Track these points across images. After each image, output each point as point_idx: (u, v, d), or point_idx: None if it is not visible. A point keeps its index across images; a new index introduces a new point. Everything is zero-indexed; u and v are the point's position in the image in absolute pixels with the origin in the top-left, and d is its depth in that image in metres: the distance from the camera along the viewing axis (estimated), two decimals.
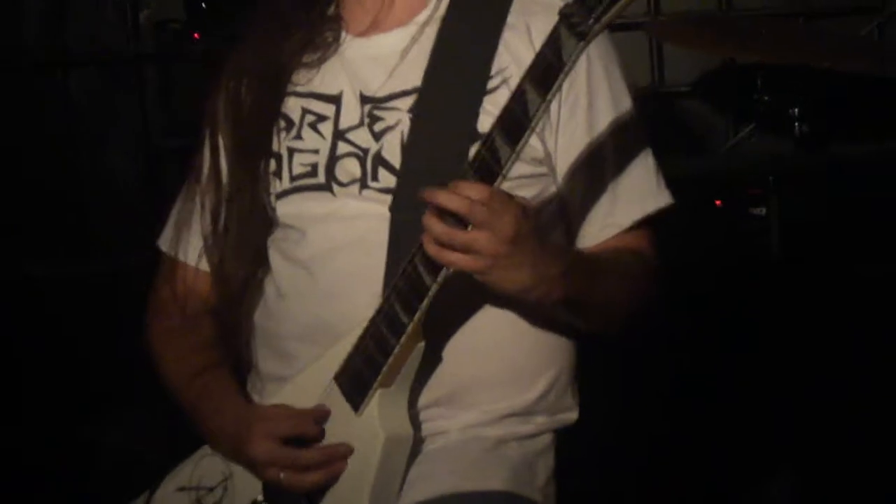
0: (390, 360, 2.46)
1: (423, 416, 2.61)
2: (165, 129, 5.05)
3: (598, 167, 2.64)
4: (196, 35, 4.89)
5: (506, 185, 2.31)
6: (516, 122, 2.26)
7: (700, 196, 4.30)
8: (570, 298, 2.44)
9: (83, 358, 4.78)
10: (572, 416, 2.74)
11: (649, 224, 2.68)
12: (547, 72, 2.22)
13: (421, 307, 2.40)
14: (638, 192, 2.67)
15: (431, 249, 2.30)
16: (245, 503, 2.66)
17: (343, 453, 2.53)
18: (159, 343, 2.86)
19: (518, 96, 2.26)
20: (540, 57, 2.23)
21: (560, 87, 2.23)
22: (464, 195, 2.25)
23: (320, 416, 2.57)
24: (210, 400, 2.71)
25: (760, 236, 4.28)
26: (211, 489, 2.72)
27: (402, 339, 2.44)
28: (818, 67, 4.35)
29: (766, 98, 4.58)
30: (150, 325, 2.89)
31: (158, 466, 2.87)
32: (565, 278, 2.39)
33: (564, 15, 2.18)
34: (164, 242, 2.90)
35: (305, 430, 2.55)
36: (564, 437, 2.74)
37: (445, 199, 2.25)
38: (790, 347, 4.20)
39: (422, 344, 2.49)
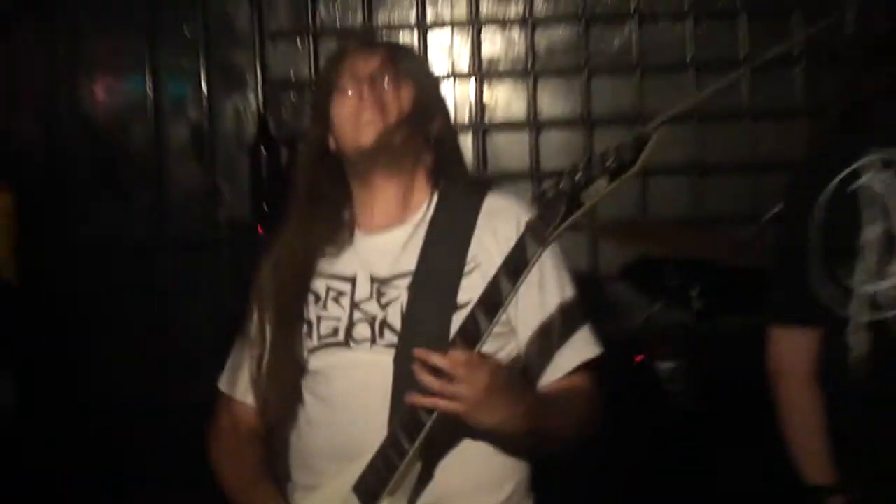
0: (395, 475, 2.43)
1: None
2: (233, 297, 4.67)
3: (547, 328, 2.61)
4: (259, 229, 4.81)
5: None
6: (492, 302, 2.31)
7: (624, 353, 4.23)
8: (531, 429, 2.42)
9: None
10: None
11: (587, 369, 2.63)
12: (516, 267, 2.27)
13: (419, 437, 2.39)
14: (577, 346, 2.63)
15: (427, 400, 2.33)
16: None
17: None
18: (219, 462, 2.78)
19: (494, 284, 2.31)
20: (511, 255, 2.29)
21: (525, 277, 2.28)
22: (451, 358, 2.30)
23: None
24: None
25: (670, 384, 4.17)
26: None
27: (405, 461, 2.42)
28: (710, 260, 4.34)
29: (672, 282, 4.44)
30: (212, 446, 2.80)
31: None
32: (528, 415, 2.39)
33: (529, 226, 2.25)
34: (222, 383, 2.82)
35: None
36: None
37: (438, 359, 2.30)
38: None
39: (419, 464, 2.46)
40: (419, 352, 2.34)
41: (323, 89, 2.73)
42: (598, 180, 2.12)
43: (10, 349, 4.64)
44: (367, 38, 2.84)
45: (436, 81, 2.91)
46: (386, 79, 2.63)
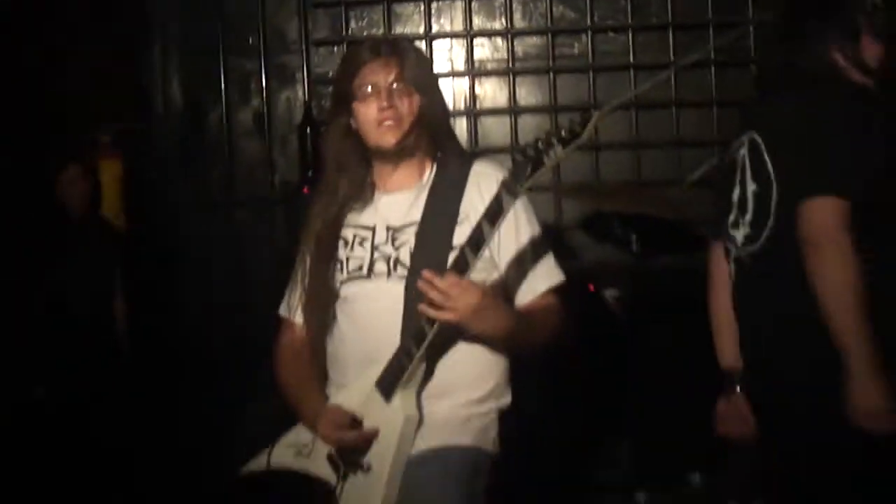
0: (407, 372, 2.51)
1: (424, 403, 2.61)
2: (287, 241, 4.84)
3: (522, 260, 2.64)
4: (306, 189, 4.86)
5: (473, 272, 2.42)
6: (476, 240, 2.37)
7: (580, 284, 4.25)
8: (512, 336, 2.52)
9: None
10: (508, 401, 2.74)
11: (554, 292, 2.67)
12: (494, 215, 2.33)
13: (423, 344, 2.47)
14: (545, 274, 2.67)
15: (430, 310, 2.39)
16: (325, 454, 2.65)
17: (370, 434, 2.57)
18: (279, 370, 2.81)
19: (478, 227, 2.37)
20: (490, 206, 2.35)
21: (501, 223, 2.34)
22: (448, 280, 2.37)
23: (355, 417, 2.59)
24: (303, 401, 2.71)
25: (614, 306, 4.29)
26: (305, 444, 2.70)
27: (413, 361, 2.50)
28: (649, 213, 4.45)
29: (618, 230, 4.56)
30: (274, 360, 2.83)
31: (275, 434, 2.83)
32: (509, 326, 2.48)
33: (504, 183, 2.31)
34: (282, 309, 2.87)
35: (346, 423, 2.59)
36: (504, 414, 2.74)
37: (439, 280, 2.35)
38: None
39: (424, 365, 2.56)
40: (426, 273, 2.36)
41: (346, 88, 2.67)
42: (556, 147, 2.15)
43: (122, 281, 4.82)
44: (385, 49, 2.68)
45: (436, 80, 2.85)
46: (401, 88, 2.62)
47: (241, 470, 2.80)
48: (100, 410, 4.48)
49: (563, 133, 2.16)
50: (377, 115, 2.62)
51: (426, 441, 2.58)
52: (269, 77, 5.41)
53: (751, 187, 2.66)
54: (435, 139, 2.72)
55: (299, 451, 2.71)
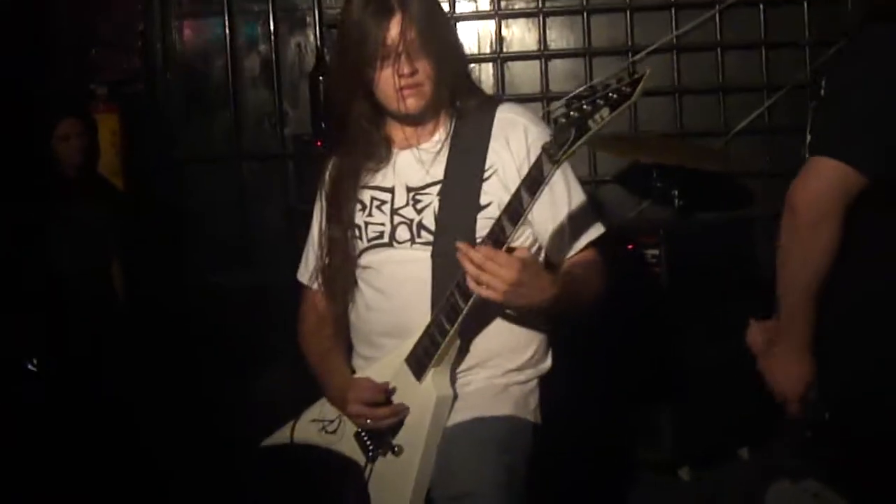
0: (440, 350, 2.45)
1: (459, 376, 2.57)
2: (299, 198, 4.88)
3: (556, 214, 2.58)
4: (319, 143, 4.76)
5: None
6: (515, 211, 2.29)
7: (618, 242, 4.12)
8: (555, 309, 2.43)
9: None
10: (548, 366, 2.70)
11: (595, 246, 2.61)
12: (534, 182, 2.25)
13: (458, 319, 2.41)
14: (583, 227, 2.60)
15: (471, 285, 2.31)
16: (352, 432, 2.62)
17: (401, 410, 2.53)
18: (303, 339, 2.79)
19: (517, 196, 2.29)
20: (529, 173, 2.27)
21: (542, 191, 2.26)
22: (484, 253, 2.29)
23: (387, 389, 2.55)
24: (328, 374, 2.69)
25: (654, 268, 4.13)
26: (331, 421, 2.67)
27: (447, 339, 2.44)
28: (689, 167, 4.33)
29: (658, 184, 4.52)
30: (298, 328, 2.81)
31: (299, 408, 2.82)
32: (552, 300, 2.37)
33: (545, 149, 2.21)
34: (301, 274, 2.84)
35: (377, 397, 2.54)
36: (544, 381, 2.70)
37: (474, 253, 2.28)
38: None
39: (458, 342, 2.50)
40: (461, 245, 2.31)
41: (357, 49, 2.53)
42: (602, 109, 2.08)
43: (121, 244, 4.65)
44: (398, 1, 2.51)
45: (450, 24, 2.76)
46: (420, 47, 2.51)
47: (263, 442, 2.81)
48: (99, 379, 4.32)
49: (610, 93, 2.07)
50: (397, 81, 2.52)
51: (462, 413, 2.55)
52: (277, 21, 5.26)
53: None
54: (454, 88, 2.63)
55: (324, 427, 2.69)
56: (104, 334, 4.43)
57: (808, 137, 2.37)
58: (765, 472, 3.91)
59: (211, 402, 4.37)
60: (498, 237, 2.31)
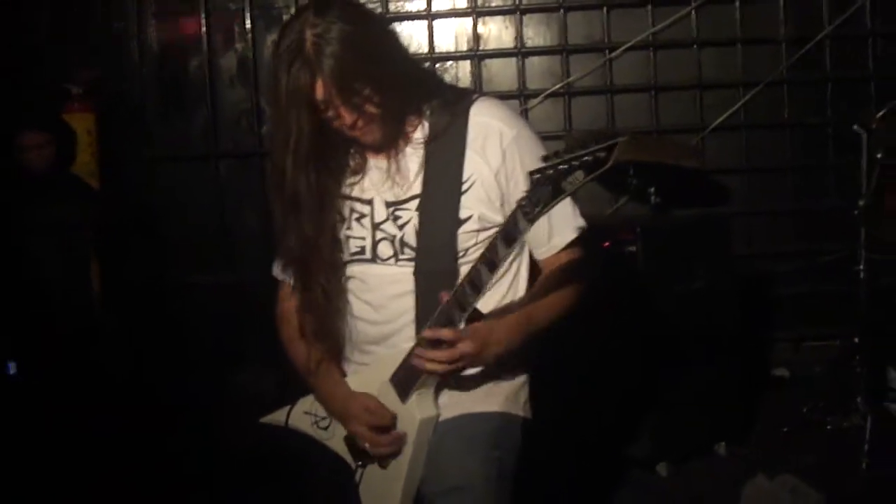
0: (421, 377, 2.43)
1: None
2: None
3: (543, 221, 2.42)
4: None
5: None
6: (491, 261, 2.26)
7: (596, 239, 3.94)
8: (525, 342, 2.45)
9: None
10: (537, 362, 2.65)
11: (576, 243, 2.53)
12: (509, 236, 2.22)
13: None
14: (563, 225, 2.51)
15: (430, 367, 2.35)
16: (342, 434, 2.58)
17: (402, 441, 2.48)
18: (289, 343, 2.65)
19: (493, 245, 2.26)
20: (505, 226, 2.24)
21: (520, 244, 2.29)
22: (431, 356, 2.31)
23: (393, 416, 2.49)
24: (324, 385, 2.60)
25: (631, 264, 4.11)
26: (323, 418, 2.62)
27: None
28: (665, 163, 4.36)
29: (634, 181, 4.41)
30: (280, 328, 2.69)
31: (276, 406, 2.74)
32: (515, 342, 2.42)
33: (520, 205, 2.18)
34: (275, 270, 2.68)
35: (383, 422, 2.49)
36: (538, 377, 2.67)
37: (434, 354, 2.31)
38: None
39: None
40: (419, 351, 2.34)
41: (290, 95, 2.35)
42: (577, 172, 2.07)
43: (97, 243, 4.61)
44: (315, 51, 2.31)
45: (383, 52, 2.42)
46: (352, 102, 2.36)
47: (261, 419, 2.75)
48: (77, 379, 4.30)
49: (587, 157, 2.05)
50: (342, 129, 2.41)
51: (452, 409, 2.53)
52: (254, 18, 5.25)
53: None
54: (416, 94, 2.49)
55: (316, 422, 2.64)
56: (83, 334, 4.42)
57: None
58: (742, 467, 4.01)
59: (191, 400, 4.37)
60: (475, 284, 2.30)
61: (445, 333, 2.32)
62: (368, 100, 2.36)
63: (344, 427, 2.56)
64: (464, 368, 2.37)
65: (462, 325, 2.35)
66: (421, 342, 2.37)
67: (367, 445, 2.51)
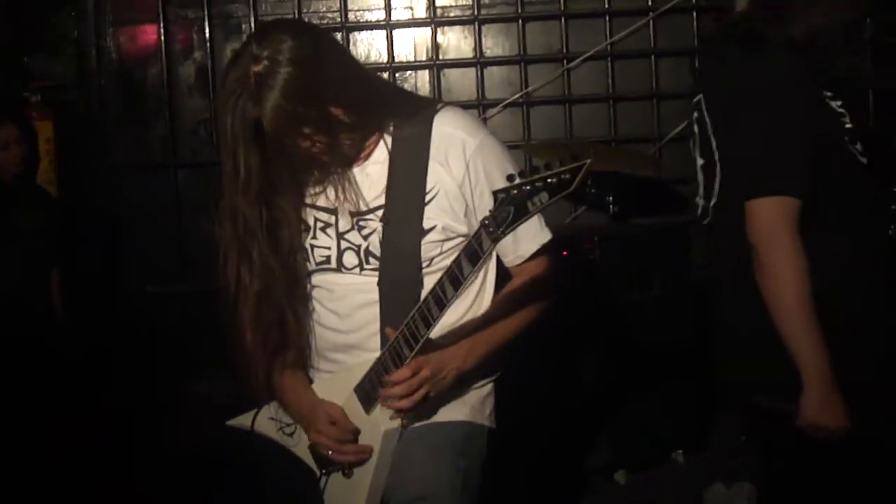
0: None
1: None
2: None
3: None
4: None
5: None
6: (455, 277, 2.25)
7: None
8: (487, 356, 2.49)
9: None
10: (504, 369, 2.66)
11: (543, 252, 2.53)
12: (473, 254, 2.21)
13: (403, 365, 2.40)
14: (530, 241, 2.50)
15: (399, 405, 2.41)
16: (307, 443, 2.58)
17: (366, 454, 2.50)
18: (248, 352, 2.56)
19: (457, 263, 2.26)
20: (469, 245, 2.22)
21: (483, 264, 2.27)
22: (391, 392, 2.38)
23: (356, 430, 2.51)
24: (290, 393, 2.59)
25: (590, 272, 4.15)
26: (288, 424, 2.63)
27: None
28: (624, 172, 4.42)
29: (592, 190, 4.53)
30: (237, 337, 2.59)
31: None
32: (476, 359, 2.47)
33: (483, 225, 2.16)
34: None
35: (344, 435, 2.51)
36: (499, 386, 2.66)
37: (395, 390, 2.37)
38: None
39: None
40: (385, 392, 2.39)
41: (244, 129, 2.33)
42: (542, 193, 2.07)
43: (58, 254, 4.57)
44: (263, 83, 2.28)
45: (333, 72, 2.37)
46: (303, 132, 2.35)
47: (226, 421, 2.76)
48: (39, 386, 4.27)
49: (551, 180, 2.06)
50: (300, 153, 2.38)
51: (418, 417, 2.53)
52: (212, 27, 5.26)
53: (699, 161, 2.60)
54: (375, 105, 2.46)
55: (281, 428, 2.65)
56: (44, 345, 4.39)
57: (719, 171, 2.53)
58: (700, 475, 4.04)
59: (152, 409, 4.38)
60: (440, 299, 2.30)
61: (400, 375, 2.37)
62: (324, 115, 2.33)
63: (307, 435, 2.57)
64: (428, 394, 2.40)
65: (414, 354, 2.37)
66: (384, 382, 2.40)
67: (330, 453, 2.52)
